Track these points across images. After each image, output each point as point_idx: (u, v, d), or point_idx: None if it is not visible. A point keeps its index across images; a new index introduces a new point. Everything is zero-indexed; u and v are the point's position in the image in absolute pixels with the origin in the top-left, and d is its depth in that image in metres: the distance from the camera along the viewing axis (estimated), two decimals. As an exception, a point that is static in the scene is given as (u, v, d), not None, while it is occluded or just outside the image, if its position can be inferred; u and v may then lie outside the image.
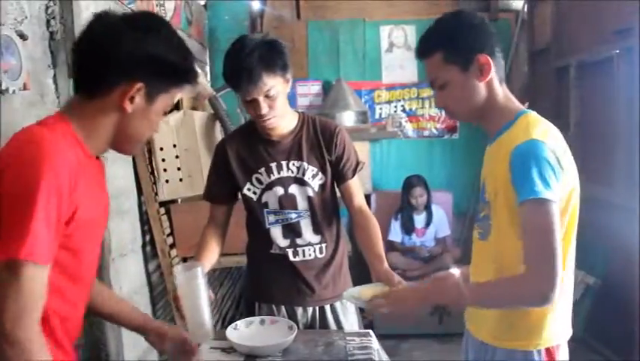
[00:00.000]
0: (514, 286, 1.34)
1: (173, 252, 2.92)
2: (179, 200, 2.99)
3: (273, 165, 1.95)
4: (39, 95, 1.96)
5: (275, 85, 1.82)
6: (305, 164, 1.96)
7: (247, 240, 2.12)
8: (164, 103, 1.24)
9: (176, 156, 2.87)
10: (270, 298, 2.05)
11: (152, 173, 2.82)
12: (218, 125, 3.08)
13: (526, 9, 4.73)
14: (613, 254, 3.35)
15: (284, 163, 1.95)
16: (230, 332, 1.81)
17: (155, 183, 2.83)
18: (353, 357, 1.73)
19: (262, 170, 1.95)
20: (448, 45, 1.45)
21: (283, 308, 2.04)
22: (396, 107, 4.95)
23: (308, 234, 1.99)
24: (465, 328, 1.61)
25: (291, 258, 1.99)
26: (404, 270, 4.16)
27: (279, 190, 1.96)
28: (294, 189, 1.96)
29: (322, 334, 1.91)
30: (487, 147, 1.53)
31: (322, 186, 1.98)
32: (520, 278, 1.32)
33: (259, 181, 1.97)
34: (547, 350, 1.41)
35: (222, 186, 2.01)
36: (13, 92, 1.76)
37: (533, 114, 1.45)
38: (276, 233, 1.99)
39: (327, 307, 2.04)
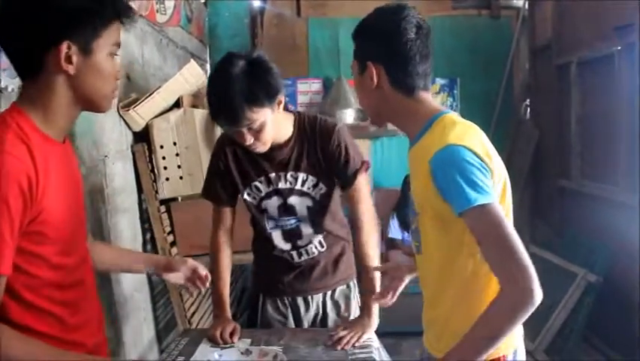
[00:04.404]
0: (499, 308, 1.19)
1: (174, 250, 2.91)
2: (180, 198, 2.98)
3: (272, 175, 1.91)
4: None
5: (259, 117, 1.70)
6: (304, 175, 1.90)
7: (253, 236, 2.13)
8: (104, 47, 1.19)
9: (177, 154, 2.86)
10: (273, 292, 2.08)
11: (153, 171, 2.81)
12: (218, 123, 3.07)
13: (527, 6, 4.72)
14: (615, 252, 3.34)
15: (282, 175, 1.90)
16: None
17: (155, 181, 2.82)
18: (354, 356, 1.72)
19: (262, 179, 1.92)
20: (356, 41, 1.44)
21: (286, 300, 2.07)
22: (396, 104, 4.93)
23: (308, 234, 1.99)
24: (422, 344, 1.53)
25: (296, 259, 2.01)
26: (405, 268, 4.16)
27: (278, 200, 1.94)
28: (293, 200, 1.93)
29: (323, 333, 1.90)
30: (408, 152, 1.46)
31: (324, 195, 1.94)
32: (501, 297, 1.19)
33: (258, 189, 1.94)
34: (504, 356, 1.34)
35: (226, 188, 1.97)
36: (12, 90, 1.75)
37: (449, 116, 1.36)
38: (277, 237, 1.99)
39: (328, 293, 2.08)
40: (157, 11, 3.11)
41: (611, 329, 3.38)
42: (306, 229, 1.98)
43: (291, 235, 1.98)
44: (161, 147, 2.83)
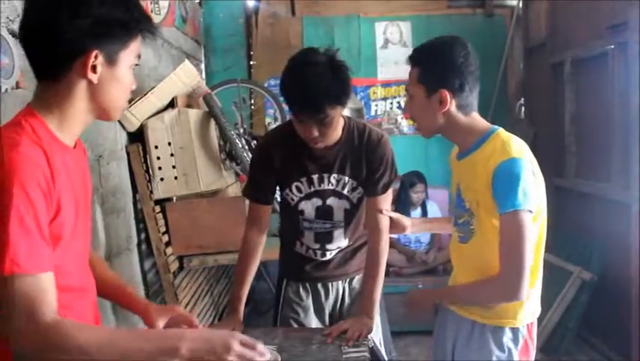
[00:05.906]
0: (488, 287, 1.60)
1: (169, 250, 2.91)
2: (175, 198, 2.98)
3: (315, 176, 1.95)
4: (32, 93, 1.94)
5: (333, 114, 1.79)
6: (346, 178, 1.95)
7: (279, 223, 2.20)
8: (127, 59, 1.21)
9: (171, 154, 2.86)
10: (295, 277, 2.14)
11: (147, 171, 2.81)
12: (213, 122, 3.07)
13: (521, 5, 4.73)
14: (609, 250, 3.36)
15: (325, 176, 1.95)
16: None
17: (150, 181, 2.82)
18: (347, 355, 1.72)
19: (303, 179, 1.95)
20: (423, 67, 1.64)
21: (307, 285, 2.13)
22: (392, 103, 4.94)
23: (339, 240, 2.05)
24: (443, 308, 1.84)
25: (319, 257, 2.07)
26: (400, 267, 4.17)
27: (317, 201, 1.98)
28: (332, 201, 1.98)
29: (318, 331, 1.91)
30: (455, 159, 1.74)
31: (360, 199, 2.00)
32: (494, 281, 1.57)
33: (299, 190, 1.97)
34: (528, 325, 1.68)
35: (270, 188, 2.00)
36: (6, 90, 1.75)
37: (503, 131, 1.63)
38: (309, 236, 2.04)
39: (347, 280, 2.14)
40: (151, 11, 3.11)
41: (606, 327, 3.40)
42: (338, 235, 2.04)
43: (323, 237, 2.04)
44: (156, 147, 2.83)
